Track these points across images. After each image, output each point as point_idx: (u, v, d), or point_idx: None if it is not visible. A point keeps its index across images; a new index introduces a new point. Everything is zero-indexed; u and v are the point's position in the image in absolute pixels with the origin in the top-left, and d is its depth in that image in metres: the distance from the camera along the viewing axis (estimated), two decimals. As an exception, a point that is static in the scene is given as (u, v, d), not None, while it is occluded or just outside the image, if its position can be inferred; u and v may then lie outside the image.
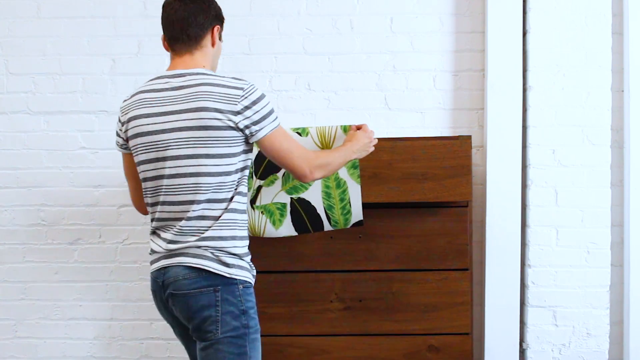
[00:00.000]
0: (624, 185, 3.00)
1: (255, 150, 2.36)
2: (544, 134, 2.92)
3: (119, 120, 2.11)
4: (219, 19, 2.11)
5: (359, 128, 2.35)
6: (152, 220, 2.07)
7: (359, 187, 2.47)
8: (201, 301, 1.95)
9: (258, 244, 2.57)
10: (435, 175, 2.63)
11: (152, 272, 2.06)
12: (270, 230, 2.51)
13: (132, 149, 2.07)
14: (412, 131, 3.05)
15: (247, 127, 1.96)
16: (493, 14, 2.95)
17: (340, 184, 2.47)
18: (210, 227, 1.97)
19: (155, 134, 1.99)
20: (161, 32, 2.09)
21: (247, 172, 2.05)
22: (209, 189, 1.96)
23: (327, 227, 2.51)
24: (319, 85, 3.08)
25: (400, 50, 3.07)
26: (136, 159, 2.06)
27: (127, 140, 2.09)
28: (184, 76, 1.99)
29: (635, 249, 2.95)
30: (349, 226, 2.52)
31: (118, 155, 3.04)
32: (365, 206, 2.56)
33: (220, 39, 2.13)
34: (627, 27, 2.95)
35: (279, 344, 2.71)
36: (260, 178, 2.47)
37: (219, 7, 2.12)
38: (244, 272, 2.02)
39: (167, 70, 2.06)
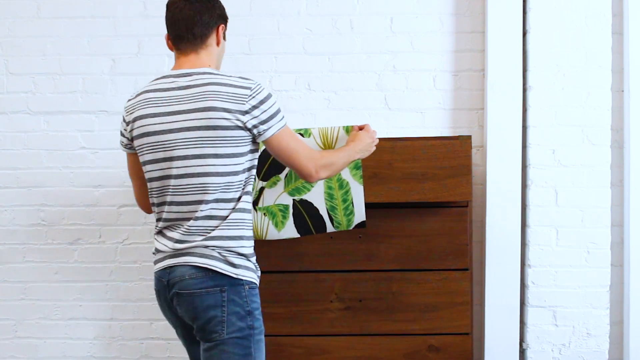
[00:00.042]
0: (624, 185, 3.00)
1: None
2: (544, 134, 2.92)
3: (124, 120, 2.10)
4: (223, 18, 2.10)
5: (361, 128, 2.35)
6: (158, 220, 2.06)
7: (361, 188, 2.46)
8: (207, 301, 1.95)
9: (258, 244, 2.55)
10: (435, 175, 2.63)
11: (156, 272, 2.05)
12: (273, 233, 2.50)
13: (137, 148, 2.06)
14: (412, 131, 3.05)
15: (255, 126, 1.96)
16: (493, 14, 2.95)
17: (343, 184, 2.46)
18: (217, 226, 1.97)
19: (162, 134, 1.98)
20: (161, 32, 2.09)
21: (254, 171, 2.05)
22: (217, 189, 1.96)
23: (329, 228, 2.51)
24: (319, 85, 3.08)
25: (400, 50, 3.07)
26: (142, 159, 2.05)
27: (132, 140, 2.07)
28: (190, 75, 1.99)
29: (635, 249, 2.95)
30: (351, 227, 2.51)
31: (118, 155, 3.07)
32: (366, 206, 2.55)
33: (224, 38, 2.12)
34: (627, 27, 2.95)
35: (279, 344, 2.71)
36: (263, 179, 2.46)
37: (222, 6, 2.11)
38: (250, 272, 2.02)
39: (172, 69, 2.05)
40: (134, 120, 2.03)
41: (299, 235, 2.51)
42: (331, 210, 2.48)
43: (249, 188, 2.03)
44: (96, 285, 3.13)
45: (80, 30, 3.11)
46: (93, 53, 3.11)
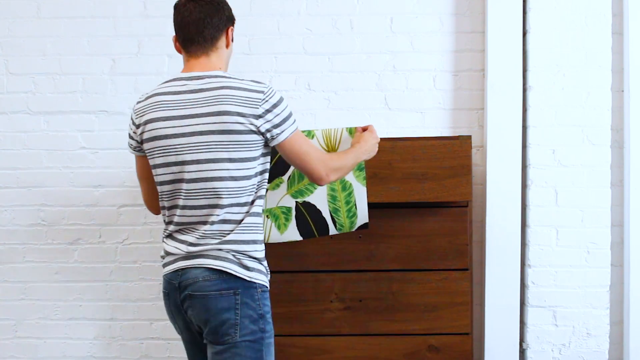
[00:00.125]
0: (624, 185, 3.00)
1: None
2: (544, 134, 2.92)
3: (133, 123, 2.07)
4: (231, 19, 2.09)
5: (364, 129, 2.33)
6: (169, 223, 2.04)
7: (364, 190, 2.45)
8: (220, 303, 1.93)
9: (258, 244, 2.57)
10: (435, 175, 2.63)
11: (166, 274, 2.03)
12: (275, 236, 2.48)
13: (147, 151, 2.03)
14: (412, 131, 3.05)
15: (268, 130, 1.95)
16: (493, 14, 2.95)
17: (345, 186, 2.45)
18: (232, 230, 1.96)
19: (174, 138, 1.96)
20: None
21: (266, 175, 2.04)
22: (230, 193, 1.94)
23: (332, 230, 2.49)
24: (319, 85, 3.08)
25: (400, 50, 3.07)
26: (152, 162, 2.03)
27: (141, 142, 2.05)
28: (202, 79, 1.97)
29: (635, 249, 2.95)
30: (354, 229, 2.49)
31: (118, 155, 3.07)
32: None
33: (232, 39, 2.11)
34: (627, 27, 2.95)
35: (279, 344, 2.70)
36: None
37: (230, 8, 2.09)
38: (262, 276, 2.02)
39: (183, 72, 2.03)
40: (145, 123, 2.01)
41: (301, 238, 2.49)
42: (334, 212, 2.47)
43: (262, 192, 2.02)
44: (96, 285, 3.13)
45: (80, 30, 3.11)
46: (93, 53, 3.11)
